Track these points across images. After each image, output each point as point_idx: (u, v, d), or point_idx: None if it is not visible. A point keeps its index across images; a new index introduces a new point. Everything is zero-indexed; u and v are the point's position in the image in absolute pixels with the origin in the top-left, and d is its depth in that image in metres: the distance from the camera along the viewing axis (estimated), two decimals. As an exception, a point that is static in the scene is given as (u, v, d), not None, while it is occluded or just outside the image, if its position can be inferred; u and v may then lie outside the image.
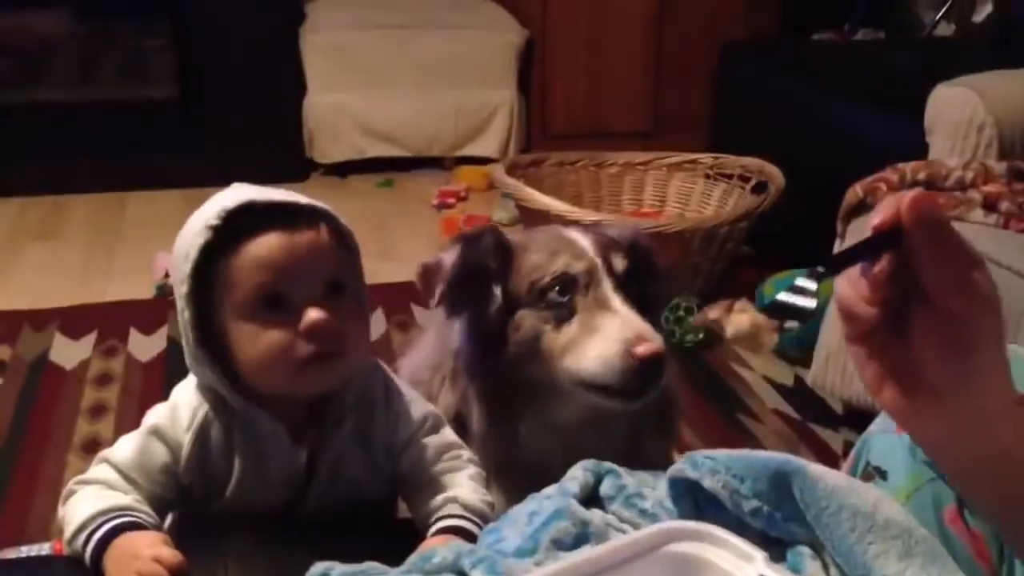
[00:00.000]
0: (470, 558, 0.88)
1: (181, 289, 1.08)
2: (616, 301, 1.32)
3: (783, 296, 0.73)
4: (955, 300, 0.69)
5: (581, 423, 1.37)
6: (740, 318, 2.74)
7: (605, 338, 1.29)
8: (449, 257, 1.37)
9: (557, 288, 1.33)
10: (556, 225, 1.53)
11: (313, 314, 1.06)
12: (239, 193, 1.11)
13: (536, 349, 1.34)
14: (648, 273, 1.43)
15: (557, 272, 1.34)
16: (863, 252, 0.72)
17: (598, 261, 1.35)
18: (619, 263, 1.37)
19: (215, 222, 1.07)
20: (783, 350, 2.73)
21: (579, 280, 1.33)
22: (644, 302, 1.37)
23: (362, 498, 1.20)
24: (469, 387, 1.37)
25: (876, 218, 0.69)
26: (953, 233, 0.69)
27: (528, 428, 1.36)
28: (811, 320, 2.57)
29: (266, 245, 1.07)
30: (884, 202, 0.70)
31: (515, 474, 1.32)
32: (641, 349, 1.26)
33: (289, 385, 1.10)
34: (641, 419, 1.40)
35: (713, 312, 2.86)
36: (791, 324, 2.76)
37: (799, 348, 2.63)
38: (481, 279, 1.36)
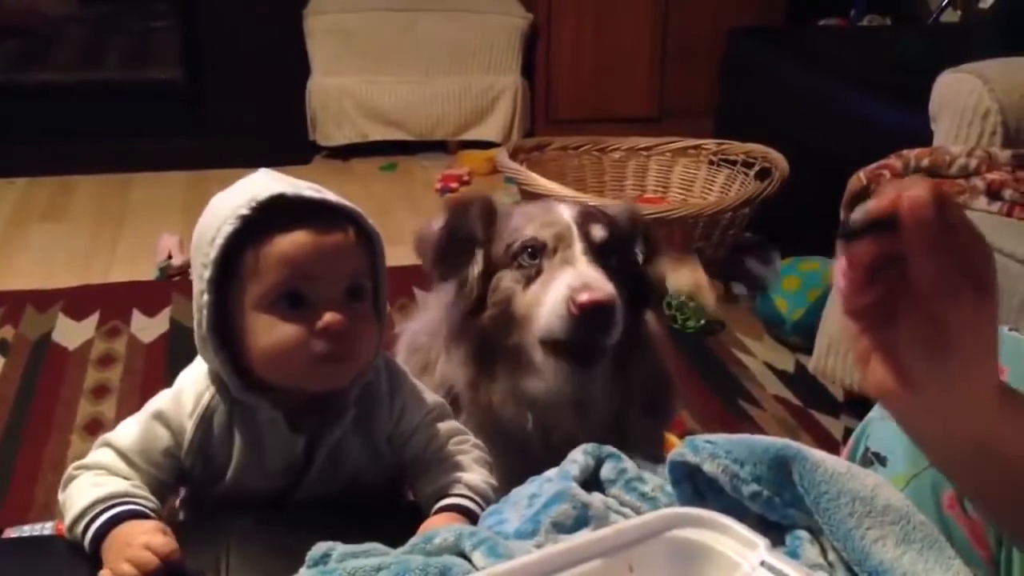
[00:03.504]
0: (471, 539, 0.89)
1: (204, 274, 1.07)
2: (580, 260, 1.33)
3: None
4: (940, 302, 0.68)
5: (555, 399, 1.37)
6: (684, 275, 2.79)
7: (555, 289, 1.30)
8: (438, 224, 1.40)
9: (528, 251, 1.35)
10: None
11: (330, 317, 1.06)
12: (270, 184, 1.10)
13: (509, 312, 1.36)
14: (648, 249, 1.44)
15: (527, 236, 1.36)
16: (849, 230, 0.71)
17: (573, 227, 1.37)
18: (597, 232, 1.38)
19: (246, 212, 1.06)
20: (785, 336, 2.74)
21: (548, 244, 1.36)
22: (643, 278, 1.38)
23: (361, 485, 1.21)
24: (454, 351, 1.39)
25: (873, 204, 0.69)
26: (958, 235, 0.68)
27: (500, 395, 1.37)
28: (763, 290, 2.61)
29: (295, 242, 1.06)
30: (886, 188, 0.69)
31: (494, 441, 1.33)
32: (583, 296, 1.25)
33: (298, 380, 1.11)
34: (627, 399, 1.41)
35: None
36: (739, 290, 2.78)
37: (801, 335, 2.63)
38: (467, 245, 1.40)
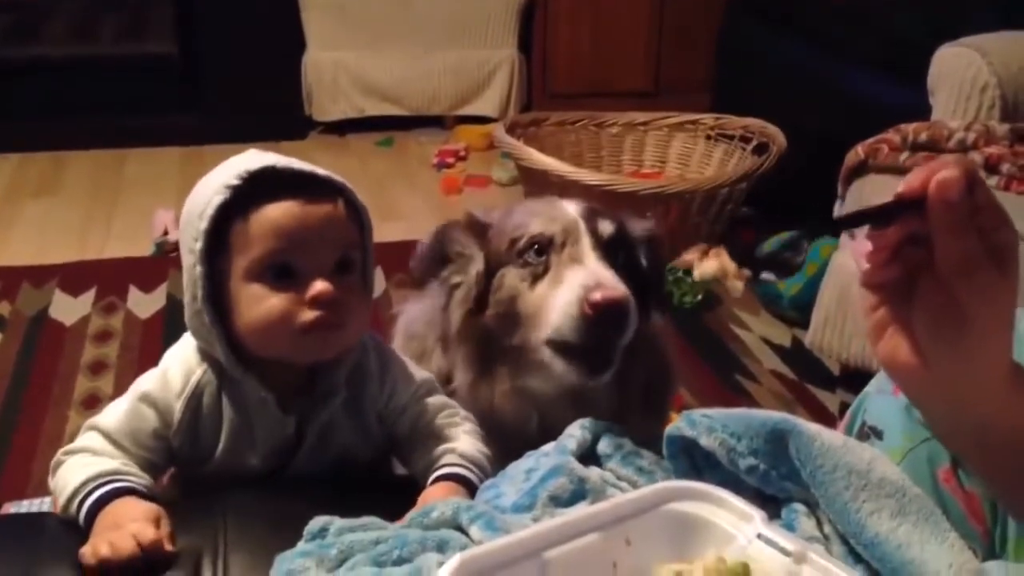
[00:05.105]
0: (468, 513, 0.89)
1: (195, 246, 1.07)
2: (590, 257, 1.30)
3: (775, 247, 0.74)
4: (960, 284, 0.68)
5: (558, 396, 1.35)
6: (710, 263, 2.81)
7: (567, 287, 1.27)
8: (423, 243, 1.41)
9: (534, 247, 1.32)
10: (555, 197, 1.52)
11: (320, 285, 1.06)
12: (259, 158, 1.10)
13: (514, 311, 1.33)
14: (652, 256, 1.42)
15: (534, 232, 1.33)
16: (879, 215, 0.72)
17: (580, 222, 1.34)
18: (605, 227, 1.35)
19: (235, 182, 1.06)
20: (782, 311, 2.74)
21: (555, 239, 1.32)
22: (648, 281, 1.37)
23: (351, 463, 1.21)
24: (456, 349, 1.38)
25: (903, 186, 0.69)
26: (985, 216, 0.68)
27: (501, 394, 1.36)
28: (793, 273, 2.61)
29: (283, 211, 1.06)
30: (916, 170, 0.69)
31: (494, 440, 1.30)
32: (597, 295, 1.22)
33: (289, 350, 1.10)
34: (627, 396, 1.40)
35: (689, 254, 2.89)
36: (767, 276, 2.77)
37: (798, 310, 2.63)
38: (454, 258, 1.40)
